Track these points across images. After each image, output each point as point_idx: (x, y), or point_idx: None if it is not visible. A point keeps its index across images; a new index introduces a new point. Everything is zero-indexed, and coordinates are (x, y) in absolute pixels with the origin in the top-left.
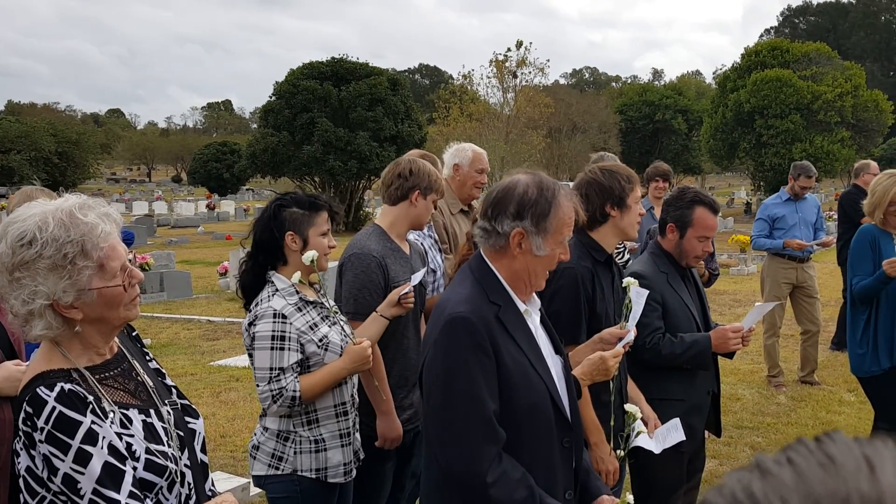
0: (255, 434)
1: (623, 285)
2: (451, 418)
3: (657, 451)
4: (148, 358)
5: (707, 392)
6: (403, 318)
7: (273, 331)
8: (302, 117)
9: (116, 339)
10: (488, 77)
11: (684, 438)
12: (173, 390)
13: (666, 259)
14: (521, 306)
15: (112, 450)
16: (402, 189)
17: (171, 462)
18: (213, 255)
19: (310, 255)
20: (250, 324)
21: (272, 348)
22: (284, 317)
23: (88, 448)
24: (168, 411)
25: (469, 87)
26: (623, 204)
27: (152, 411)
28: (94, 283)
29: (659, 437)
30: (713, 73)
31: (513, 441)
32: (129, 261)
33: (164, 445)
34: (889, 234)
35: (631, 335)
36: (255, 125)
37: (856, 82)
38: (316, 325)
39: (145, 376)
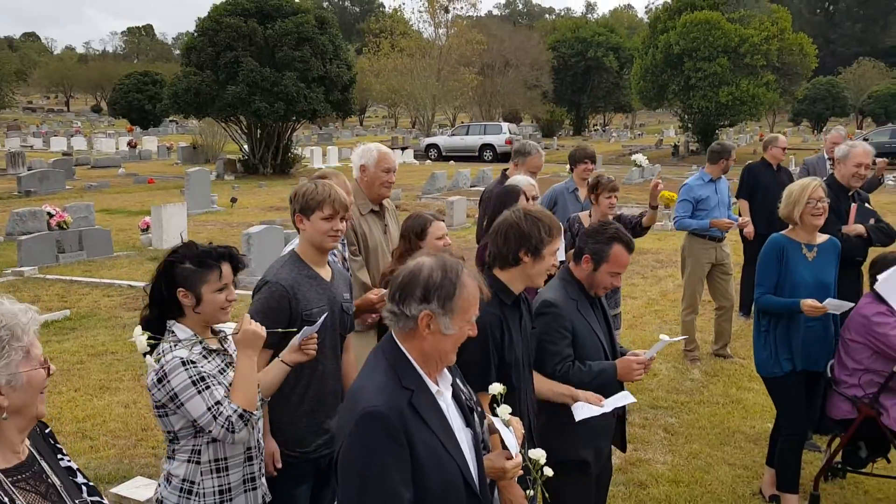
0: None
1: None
2: None
3: (608, 409)
4: (59, 456)
5: (613, 415)
6: (320, 342)
7: (190, 377)
8: (226, 56)
9: (27, 441)
10: (420, 11)
11: (635, 401)
12: (83, 488)
13: (576, 286)
14: (433, 387)
15: None
16: (292, 216)
17: None
18: (134, 203)
19: (136, 338)
20: (159, 380)
21: (199, 392)
22: (193, 362)
23: None
24: None
25: (401, 19)
26: (538, 254)
27: None
28: (22, 367)
29: (608, 403)
30: (645, 8)
31: None
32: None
33: None
34: (798, 244)
35: (519, 459)
36: (177, 51)
37: (782, 25)
38: (224, 371)
39: (54, 477)
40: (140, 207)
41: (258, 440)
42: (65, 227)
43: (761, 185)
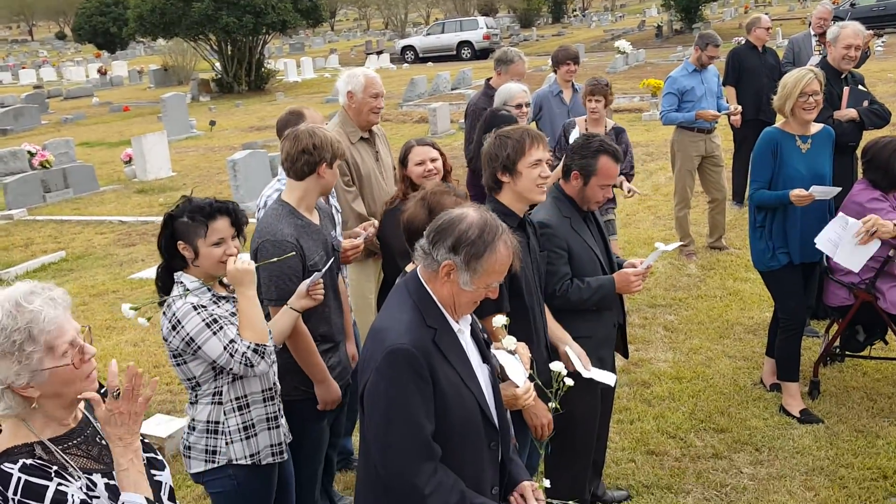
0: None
1: (492, 351)
2: (392, 441)
3: (585, 375)
4: None
5: (613, 325)
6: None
7: (203, 319)
8: None
9: (81, 405)
10: None
11: (612, 385)
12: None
13: (568, 203)
14: (455, 326)
15: None
16: (309, 164)
17: None
18: (113, 133)
19: (126, 313)
20: (174, 328)
21: (214, 333)
22: (204, 306)
23: None
24: None
25: None
26: (513, 170)
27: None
28: (45, 364)
29: (594, 372)
30: None
31: (447, 451)
32: (84, 328)
33: None
34: (793, 136)
35: (529, 385)
36: None
37: None
38: (234, 314)
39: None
40: (119, 138)
41: (274, 382)
42: (48, 166)
43: (747, 69)
